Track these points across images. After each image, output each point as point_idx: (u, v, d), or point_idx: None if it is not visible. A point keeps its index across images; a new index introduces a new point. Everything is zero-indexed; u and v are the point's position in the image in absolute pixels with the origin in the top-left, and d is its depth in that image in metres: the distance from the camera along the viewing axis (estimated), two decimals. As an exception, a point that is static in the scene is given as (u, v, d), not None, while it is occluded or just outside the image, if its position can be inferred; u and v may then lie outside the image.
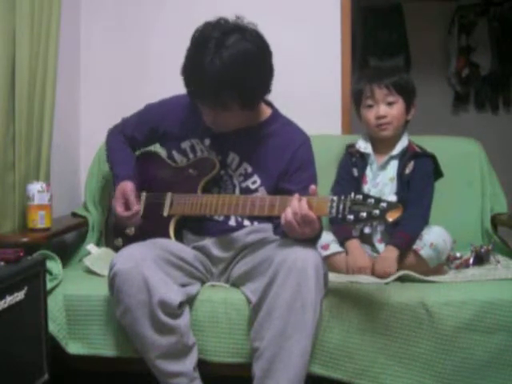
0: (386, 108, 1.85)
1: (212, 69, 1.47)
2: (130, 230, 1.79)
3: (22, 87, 1.81)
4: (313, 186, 1.44)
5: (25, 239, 1.71)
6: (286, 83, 2.13)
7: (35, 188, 1.79)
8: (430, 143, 1.97)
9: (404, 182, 1.84)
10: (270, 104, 1.77)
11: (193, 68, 1.52)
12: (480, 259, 1.86)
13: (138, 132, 1.86)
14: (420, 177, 1.84)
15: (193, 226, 1.73)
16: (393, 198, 1.74)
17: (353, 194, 1.37)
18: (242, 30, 1.54)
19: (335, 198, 1.39)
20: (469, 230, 2.07)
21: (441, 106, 4.45)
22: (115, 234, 1.85)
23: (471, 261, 1.85)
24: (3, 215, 1.79)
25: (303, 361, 1.45)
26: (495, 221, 2.07)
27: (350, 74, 2.35)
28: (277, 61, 2.28)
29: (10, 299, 1.36)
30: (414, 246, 1.73)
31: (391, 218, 1.32)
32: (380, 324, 1.53)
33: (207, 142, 1.73)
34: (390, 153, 1.88)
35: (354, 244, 1.79)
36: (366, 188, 1.88)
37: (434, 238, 1.74)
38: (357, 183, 1.90)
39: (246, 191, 1.69)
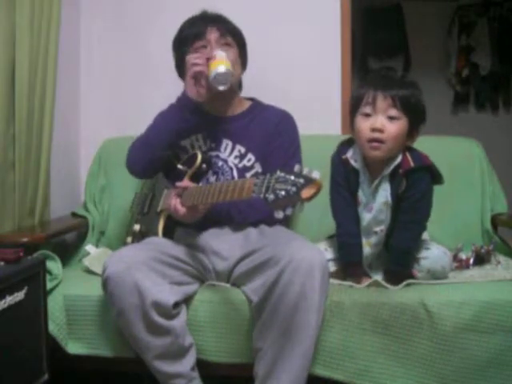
0: (385, 121, 1.58)
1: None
2: (135, 228, 1.81)
3: (21, 87, 1.81)
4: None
5: (25, 239, 1.71)
6: (286, 83, 2.13)
7: None
8: (430, 143, 1.94)
9: (399, 204, 1.64)
10: (251, 99, 1.95)
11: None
12: (481, 259, 1.85)
13: None
14: (413, 197, 1.62)
15: (192, 224, 1.73)
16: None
17: (278, 171, 1.22)
18: None
19: (259, 179, 1.25)
20: (469, 230, 2.06)
21: (441, 106, 4.44)
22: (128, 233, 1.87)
23: (471, 261, 1.84)
24: (3, 215, 1.79)
25: (305, 361, 1.45)
26: (495, 221, 2.06)
27: (349, 74, 2.35)
28: (277, 60, 2.31)
29: (9, 299, 1.36)
30: (412, 269, 1.66)
31: (305, 195, 1.17)
32: (380, 324, 1.53)
33: (205, 133, 1.85)
34: (382, 172, 1.64)
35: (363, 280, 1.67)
36: (359, 210, 1.69)
37: (431, 263, 1.65)
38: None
39: (244, 170, 1.81)
